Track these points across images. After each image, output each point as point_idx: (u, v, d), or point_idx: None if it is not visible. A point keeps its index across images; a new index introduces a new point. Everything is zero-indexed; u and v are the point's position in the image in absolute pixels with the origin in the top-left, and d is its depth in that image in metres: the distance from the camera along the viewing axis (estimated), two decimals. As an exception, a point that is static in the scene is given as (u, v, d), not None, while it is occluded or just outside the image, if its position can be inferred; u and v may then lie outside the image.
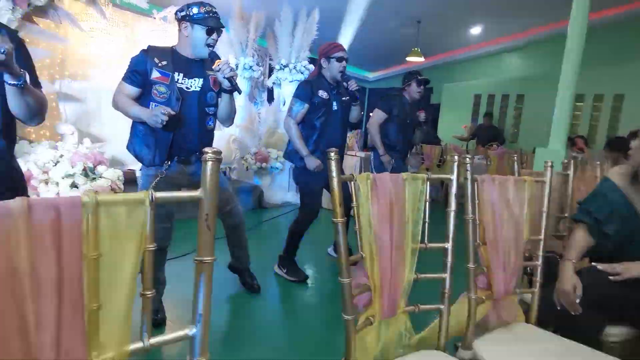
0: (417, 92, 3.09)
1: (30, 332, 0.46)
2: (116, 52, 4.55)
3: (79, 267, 0.49)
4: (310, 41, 5.09)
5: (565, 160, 1.92)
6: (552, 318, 1.44)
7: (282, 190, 5.03)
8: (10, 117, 1.18)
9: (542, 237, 1.38)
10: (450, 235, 1.17)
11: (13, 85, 1.07)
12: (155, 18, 4.61)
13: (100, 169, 3.30)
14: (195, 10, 1.78)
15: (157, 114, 1.65)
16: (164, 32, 4.75)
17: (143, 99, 1.77)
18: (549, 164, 1.41)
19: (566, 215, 1.88)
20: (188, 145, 1.83)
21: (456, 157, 1.18)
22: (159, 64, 1.75)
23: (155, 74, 1.73)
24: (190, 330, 0.62)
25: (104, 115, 4.14)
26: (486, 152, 5.67)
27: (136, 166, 3.86)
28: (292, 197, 5.04)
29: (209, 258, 0.60)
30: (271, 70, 5.50)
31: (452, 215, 1.17)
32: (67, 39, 3.89)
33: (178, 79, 1.77)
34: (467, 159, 1.18)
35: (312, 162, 2.40)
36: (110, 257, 0.53)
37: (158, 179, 1.76)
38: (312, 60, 5.30)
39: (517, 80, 7.79)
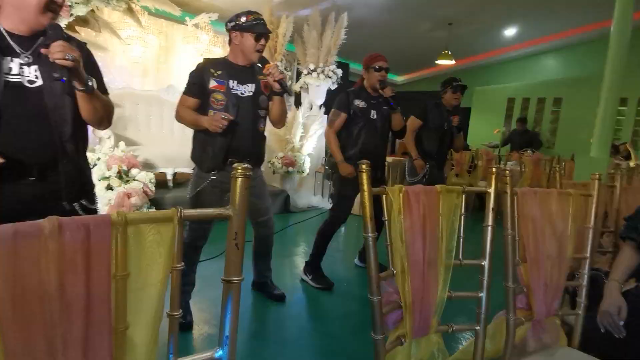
0: (454, 98, 3.03)
1: (57, 354, 0.45)
2: (151, 59, 4.71)
3: (107, 287, 0.48)
4: (338, 45, 5.07)
5: (612, 171, 1.79)
6: (597, 342, 1.33)
7: (308, 195, 5.02)
8: (80, 121, 1.24)
9: (587, 255, 1.28)
10: (487, 252, 1.10)
11: (81, 91, 1.14)
12: (187, 25, 4.73)
13: (134, 171, 3.40)
14: (243, 19, 1.88)
15: (217, 120, 1.77)
16: (195, 38, 4.87)
17: (203, 108, 1.89)
18: (597, 176, 1.31)
19: (612, 229, 1.75)
20: (243, 148, 1.93)
21: (494, 169, 1.12)
22: (215, 74, 1.87)
23: (212, 84, 1.86)
24: (217, 352, 0.60)
25: (139, 119, 4.29)
26: (520, 158, 5.44)
27: (166, 169, 3.97)
28: (318, 201, 5.02)
29: (237, 278, 0.58)
30: (299, 74, 5.52)
31: (489, 230, 1.10)
32: (106, 46, 4.05)
33: (233, 86, 1.88)
34: (507, 171, 1.11)
35: (346, 169, 2.45)
36: (138, 277, 0.52)
37: (207, 182, 1.89)
38: (339, 64, 5.28)
39: (554, 83, 7.45)
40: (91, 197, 1.33)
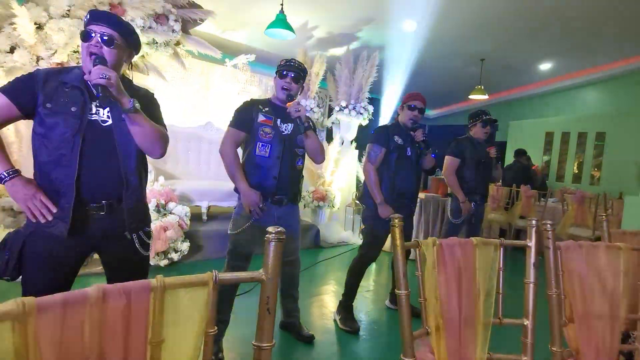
0: (483, 132, 3.00)
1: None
2: (192, 97, 5.00)
3: (143, 353, 0.49)
4: (369, 83, 5.17)
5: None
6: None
7: (338, 229, 4.98)
8: (142, 155, 1.38)
9: (644, 315, 1.17)
10: (530, 311, 1.04)
11: (124, 111, 1.25)
12: (227, 66, 5.01)
13: (171, 205, 3.54)
14: (280, 63, 2.06)
15: (253, 203, 1.91)
16: (234, 77, 5.15)
17: (249, 142, 1.99)
18: (649, 229, 1.21)
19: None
20: (283, 184, 2.00)
21: (534, 222, 1.07)
22: (263, 110, 2.00)
23: (261, 118, 1.98)
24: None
25: (179, 154, 4.51)
26: (562, 196, 5.16)
27: (201, 202, 4.10)
28: (349, 236, 4.97)
29: (268, 344, 0.57)
30: (330, 110, 5.65)
31: (531, 287, 1.04)
32: (153, 87, 4.35)
33: (278, 123, 2.00)
34: (549, 226, 1.06)
35: (386, 211, 2.43)
36: (173, 343, 0.53)
37: (249, 224, 1.95)
38: (371, 100, 5.36)
39: (596, 117, 7.15)
40: (148, 230, 1.43)
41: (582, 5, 4.35)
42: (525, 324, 1.03)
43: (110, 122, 1.29)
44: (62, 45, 3.13)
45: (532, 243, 1.06)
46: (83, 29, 1.27)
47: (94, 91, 1.21)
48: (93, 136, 1.25)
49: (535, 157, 7.78)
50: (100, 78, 1.17)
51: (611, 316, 1.13)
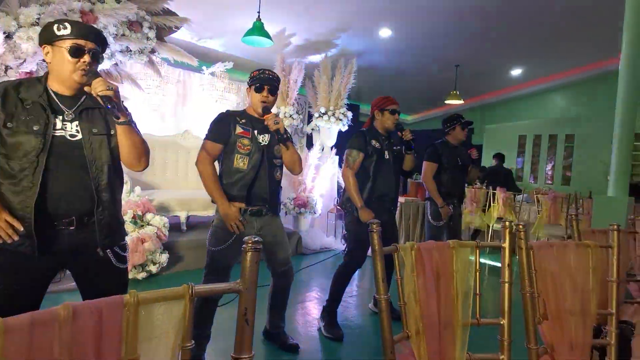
0: (464, 134, 3.11)
1: None
2: (169, 105, 4.93)
3: (117, 372, 0.48)
4: (348, 89, 5.23)
5: (632, 216, 1.75)
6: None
7: (321, 236, 4.98)
8: (116, 170, 1.34)
9: (613, 310, 1.22)
10: (506, 310, 1.06)
11: (122, 123, 1.26)
12: (204, 73, 4.97)
13: (149, 216, 3.45)
14: (252, 74, 2.04)
15: (233, 219, 1.89)
16: (211, 85, 5.10)
17: (227, 154, 1.96)
18: (615, 227, 1.27)
19: (639, 279, 1.68)
20: (262, 195, 1.98)
21: (507, 223, 1.10)
22: (240, 121, 1.98)
23: (238, 129, 1.95)
24: None
25: (156, 163, 4.41)
26: (535, 197, 5.34)
27: (180, 213, 4.02)
28: (331, 242, 4.97)
29: (247, 356, 0.57)
30: (310, 116, 5.67)
31: (506, 287, 1.07)
32: (127, 96, 4.26)
33: (256, 134, 1.98)
34: (520, 225, 1.09)
35: (366, 215, 2.42)
36: (148, 357, 0.52)
37: (233, 238, 1.93)
38: (350, 106, 5.42)
39: (565, 120, 7.46)
40: (123, 244, 1.39)
41: (549, 13, 4.55)
42: (501, 323, 1.06)
43: (79, 136, 1.25)
44: (32, 54, 3.03)
45: (506, 244, 1.09)
46: (59, 35, 1.22)
47: (103, 103, 1.20)
48: (61, 152, 1.21)
49: (510, 160, 8.03)
50: (108, 90, 1.18)
51: (582, 312, 1.17)
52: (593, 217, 3.19)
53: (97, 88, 1.18)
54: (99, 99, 1.20)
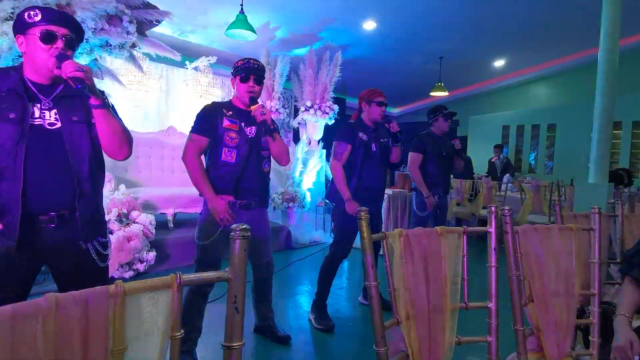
0: (447, 125, 3.15)
1: None
2: (152, 101, 4.84)
3: (105, 362, 0.47)
4: (334, 82, 5.22)
5: (612, 200, 1.79)
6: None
7: (310, 230, 4.99)
8: (97, 161, 1.30)
9: (595, 291, 1.26)
10: (493, 293, 1.08)
11: (98, 106, 1.20)
12: (187, 68, 4.89)
13: (134, 214, 3.40)
14: (237, 64, 1.98)
15: (223, 213, 1.85)
16: (195, 80, 5.03)
17: (214, 147, 1.92)
18: (596, 210, 1.30)
19: (618, 261, 1.73)
20: (250, 188, 1.96)
21: (493, 208, 1.12)
22: (227, 114, 1.93)
23: (226, 122, 1.91)
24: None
25: (140, 161, 4.34)
26: (519, 186, 5.45)
27: (167, 210, 3.97)
28: (320, 236, 4.98)
29: (238, 343, 0.56)
30: (296, 110, 5.65)
31: (492, 271, 1.09)
32: (108, 93, 4.16)
33: (243, 127, 1.94)
34: (506, 210, 1.11)
35: (353, 207, 2.43)
36: (137, 349, 0.51)
37: (219, 232, 1.89)
38: (336, 100, 5.41)
39: (547, 110, 7.60)
40: (104, 233, 1.35)
41: (531, 4, 4.61)
42: (489, 306, 1.07)
43: (58, 124, 1.20)
44: (7, 50, 2.93)
45: (492, 229, 1.11)
46: (30, 22, 1.18)
47: (73, 85, 1.13)
48: (39, 142, 1.17)
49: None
50: (77, 71, 1.12)
51: (566, 294, 1.20)
52: (575, 204, 3.27)
53: (67, 70, 1.13)
54: (70, 81, 1.14)
